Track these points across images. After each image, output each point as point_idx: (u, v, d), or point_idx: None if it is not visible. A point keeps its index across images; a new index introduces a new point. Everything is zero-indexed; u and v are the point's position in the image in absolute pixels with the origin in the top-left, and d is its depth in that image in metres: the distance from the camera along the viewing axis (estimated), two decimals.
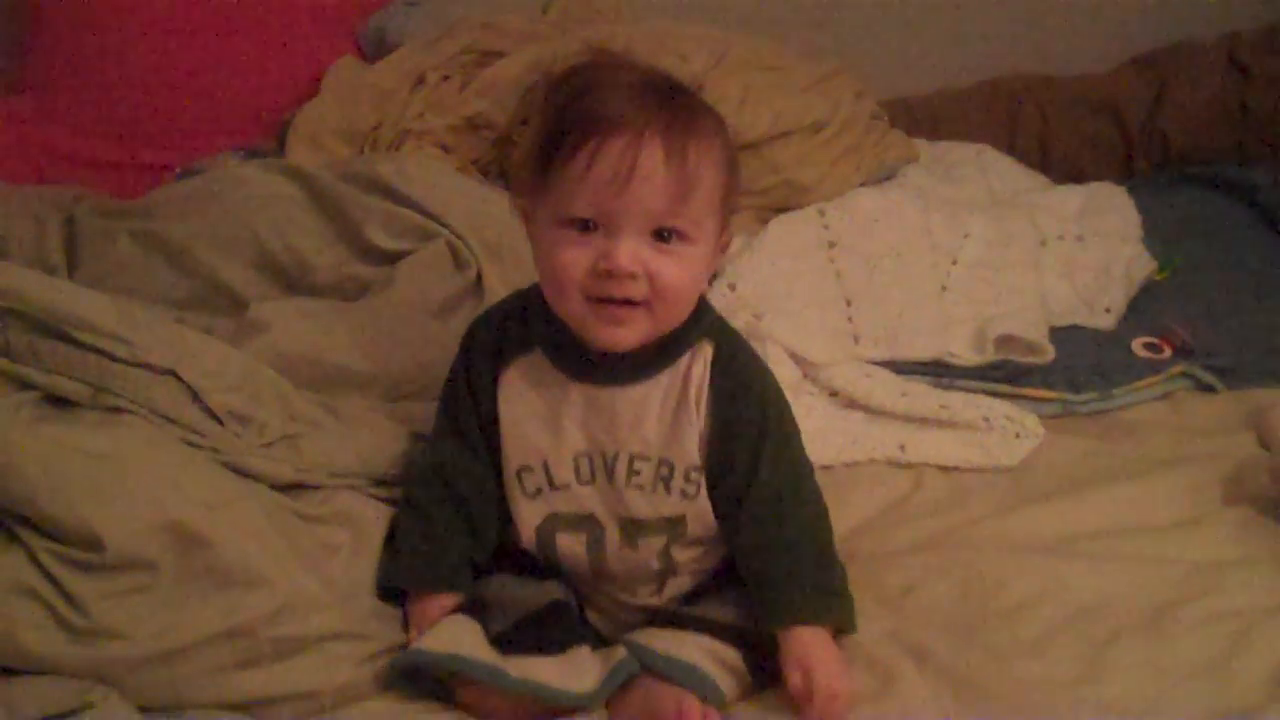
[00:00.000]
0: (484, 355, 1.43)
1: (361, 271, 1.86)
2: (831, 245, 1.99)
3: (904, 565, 1.53)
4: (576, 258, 1.28)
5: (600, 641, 1.43)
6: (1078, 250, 2.15)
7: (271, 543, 1.33)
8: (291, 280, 1.87)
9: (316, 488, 1.46)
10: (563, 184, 1.27)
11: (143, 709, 1.24)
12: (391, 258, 1.87)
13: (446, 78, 2.34)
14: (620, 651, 1.36)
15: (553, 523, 1.42)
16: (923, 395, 1.80)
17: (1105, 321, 2.05)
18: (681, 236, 1.28)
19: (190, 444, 1.38)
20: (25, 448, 1.26)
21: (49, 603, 1.22)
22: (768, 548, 1.38)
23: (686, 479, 1.38)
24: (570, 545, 1.42)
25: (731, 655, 1.37)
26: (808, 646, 1.33)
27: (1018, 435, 1.75)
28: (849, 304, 1.93)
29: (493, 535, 1.46)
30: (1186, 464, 1.68)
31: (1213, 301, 2.13)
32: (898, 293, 1.96)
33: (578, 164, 1.25)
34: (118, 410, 1.36)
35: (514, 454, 1.41)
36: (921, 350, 1.89)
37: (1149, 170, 2.64)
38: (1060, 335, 1.99)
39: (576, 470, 1.40)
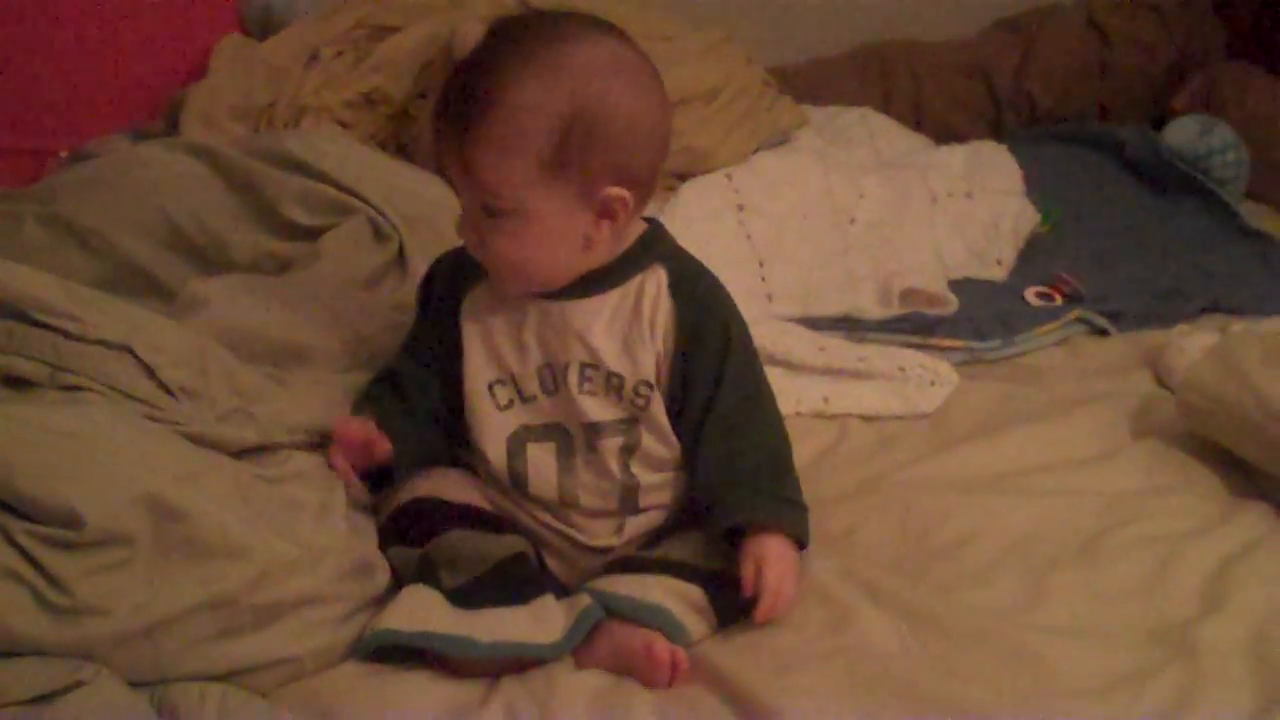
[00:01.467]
0: (444, 285, 1.50)
1: (280, 248, 1.86)
2: (741, 208, 2.04)
3: (842, 509, 1.60)
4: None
5: (563, 591, 1.46)
6: (967, 206, 2.24)
7: (244, 511, 1.33)
8: (207, 260, 1.85)
9: (275, 449, 1.46)
10: None
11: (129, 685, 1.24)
12: (309, 234, 1.87)
13: (340, 53, 2.33)
14: (585, 599, 1.39)
15: (523, 434, 1.47)
16: (840, 349, 1.87)
17: (997, 273, 2.15)
18: (504, 213, 1.35)
19: (151, 418, 1.37)
20: None
21: (30, 583, 1.20)
22: (727, 457, 1.43)
23: (636, 392, 1.44)
24: (540, 456, 1.47)
25: (695, 593, 1.40)
26: (764, 545, 1.39)
27: (933, 383, 1.82)
28: (761, 264, 1.99)
29: (443, 442, 1.53)
30: (1093, 403, 1.78)
31: (1095, 251, 2.25)
32: (806, 252, 2.03)
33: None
34: (76, 389, 1.35)
35: (483, 369, 1.47)
36: (832, 307, 1.96)
37: (1017, 129, 2.74)
38: (957, 288, 2.07)
39: (540, 382, 1.45)
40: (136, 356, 1.39)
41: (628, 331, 1.44)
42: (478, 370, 1.47)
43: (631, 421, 1.45)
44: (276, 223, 1.88)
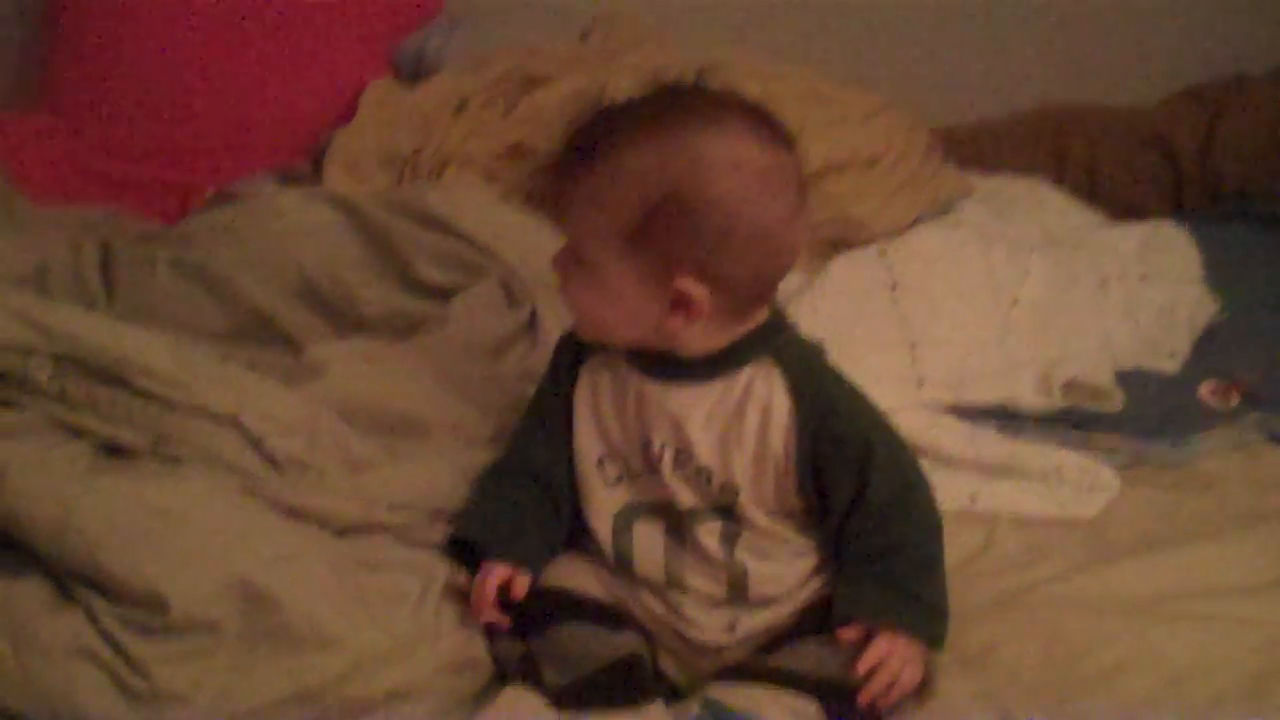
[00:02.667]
0: (568, 354, 1.46)
1: (410, 306, 1.81)
2: (894, 286, 1.93)
3: (983, 623, 1.45)
4: None
5: (674, 695, 1.39)
6: (1140, 290, 2.09)
7: (338, 598, 1.28)
8: (337, 314, 1.82)
9: (378, 530, 1.40)
10: None
11: None
12: (441, 292, 1.82)
13: (489, 103, 2.28)
14: (693, 707, 1.31)
15: (630, 512, 1.42)
16: (992, 443, 1.74)
17: (1170, 365, 1.99)
18: (584, 264, 1.32)
19: (251, 491, 1.32)
20: (84, 503, 1.21)
21: (108, 665, 1.16)
22: (868, 553, 1.38)
23: (723, 490, 1.38)
24: (646, 534, 1.41)
25: (811, 709, 1.31)
26: (886, 646, 1.34)
27: (1092, 488, 1.69)
28: (913, 347, 1.87)
29: (567, 529, 1.47)
30: (1268, 520, 1.63)
31: (1276, 345, 2.07)
32: (961, 335, 1.90)
33: None
34: (176, 459, 1.30)
35: (593, 443, 1.43)
36: (987, 395, 1.83)
37: (1199, 205, 2.58)
38: (1125, 380, 1.92)
39: (647, 459, 1.40)
40: (243, 427, 1.34)
41: (725, 430, 1.36)
42: (589, 443, 1.43)
43: (726, 511, 1.38)
44: (409, 279, 1.84)
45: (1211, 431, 1.82)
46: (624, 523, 1.42)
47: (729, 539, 1.39)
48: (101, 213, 2.17)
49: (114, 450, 1.30)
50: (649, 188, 1.26)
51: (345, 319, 1.80)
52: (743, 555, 1.39)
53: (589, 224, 1.30)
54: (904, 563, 1.39)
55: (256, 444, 1.35)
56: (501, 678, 1.38)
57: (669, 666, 1.42)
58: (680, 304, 1.30)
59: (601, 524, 1.42)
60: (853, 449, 1.36)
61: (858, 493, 1.36)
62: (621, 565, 1.42)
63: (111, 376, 1.30)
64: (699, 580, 1.40)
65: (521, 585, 1.39)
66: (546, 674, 1.34)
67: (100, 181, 2.37)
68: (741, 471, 1.36)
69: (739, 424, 1.36)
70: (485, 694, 1.35)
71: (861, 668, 1.32)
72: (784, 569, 1.41)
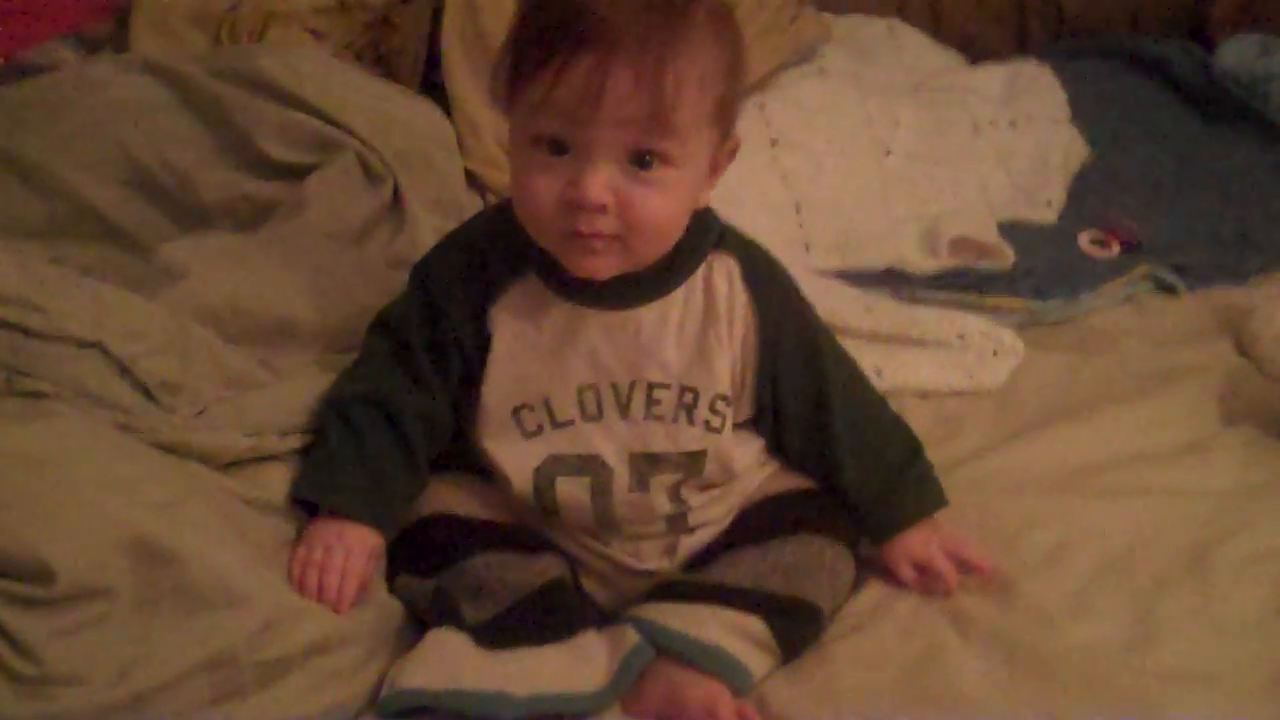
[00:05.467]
0: (460, 288, 1.26)
1: (256, 190, 1.63)
2: (774, 143, 1.83)
3: None
4: (546, 186, 1.14)
5: (602, 617, 1.28)
6: (1012, 137, 2.03)
7: (239, 546, 1.14)
8: (173, 202, 1.63)
9: (257, 461, 1.25)
10: (530, 98, 1.12)
11: None
12: (289, 171, 1.64)
13: None
14: (630, 634, 1.20)
15: (553, 465, 1.27)
16: (889, 311, 1.66)
17: (1047, 215, 1.96)
18: (664, 159, 1.13)
19: (125, 426, 1.16)
20: None
21: None
22: (863, 451, 1.32)
23: (712, 409, 1.26)
24: (571, 491, 1.27)
25: (757, 626, 1.22)
26: (910, 543, 1.31)
27: (995, 352, 1.63)
28: (798, 209, 1.78)
29: (424, 484, 1.30)
30: (1174, 379, 1.61)
31: (1146, 189, 2.05)
32: (844, 194, 1.82)
33: (543, 80, 1.10)
34: (37, 395, 1.13)
35: (509, 391, 1.26)
36: (875, 258, 1.76)
37: (1044, 40, 2.52)
38: (1006, 233, 1.87)
39: (581, 405, 1.25)
40: (108, 352, 1.17)
41: (701, 336, 1.24)
42: (503, 393, 1.26)
43: (699, 455, 1.27)
44: (251, 159, 1.65)
45: (1104, 285, 1.78)
46: (546, 479, 1.27)
47: (680, 483, 1.28)
48: None
49: None
50: (738, 50, 1.16)
51: (182, 208, 1.61)
52: (687, 494, 1.29)
53: (696, 105, 1.12)
54: (896, 448, 1.35)
55: (126, 368, 1.18)
56: (415, 615, 1.26)
57: (596, 590, 1.31)
58: (716, 169, 1.21)
59: (519, 477, 1.27)
60: (805, 339, 1.29)
61: (822, 385, 1.29)
62: (546, 515, 1.29)
63: None
64: (634, 526, 1.30)
65: (376, 542, 1.25)
66: (464, 610, 1.22)
67: None
68: (727, 379, 1.26)
69: (713, 326, 1.24)
70: (403, 636, 1.23)
71: (905, 574, 1.31)
72: (726, 497, 1.32)
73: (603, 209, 1.12)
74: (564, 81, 1.08)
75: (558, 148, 1.12)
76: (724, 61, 1.15)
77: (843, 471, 1.32)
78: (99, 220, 1.60)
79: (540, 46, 1.10)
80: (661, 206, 1.14)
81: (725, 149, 1.22)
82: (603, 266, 1.17)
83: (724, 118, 1.18)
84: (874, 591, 1.32)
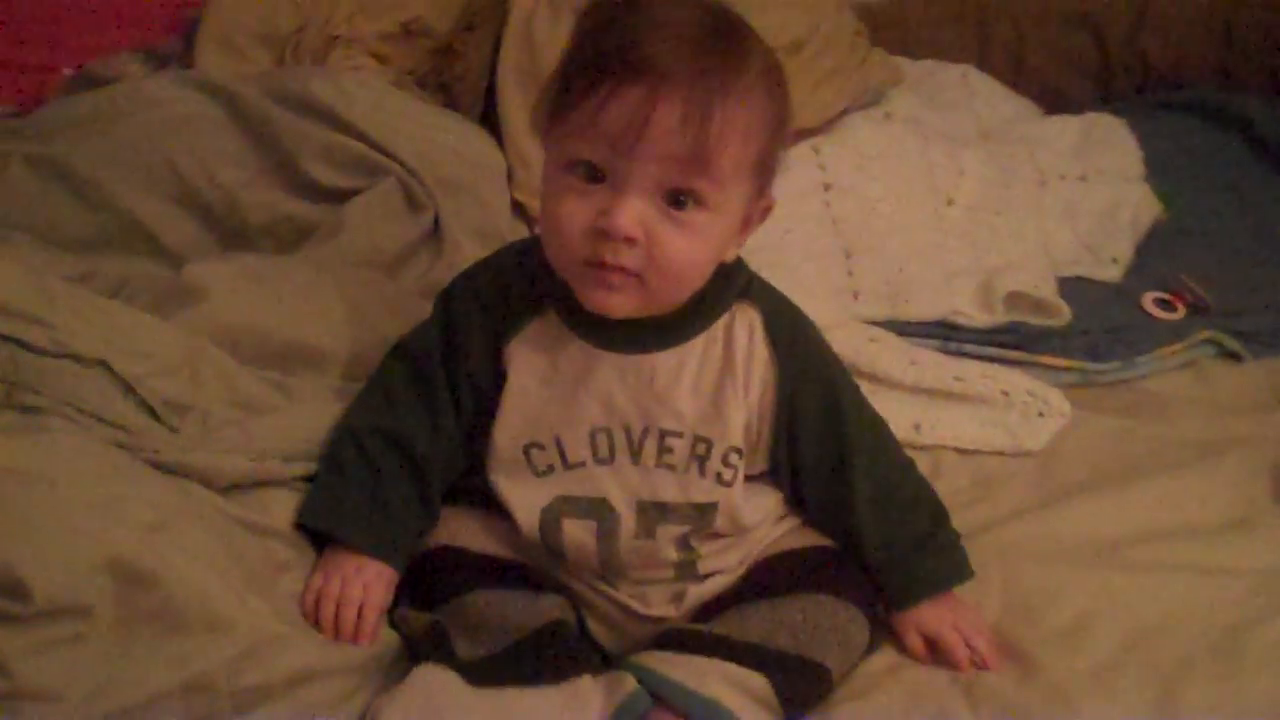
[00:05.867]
0: (480, 319, 1.25)
1: (298, 211, 1.64)
2: (827, 187, 1.79)
3: None
4: (576, 211, 1.12)
5: (603, 660, 1.26)
6: (1080, 192, 1.97)
7: (227, 570, 1.12)
8: (217, 219, 1.63)
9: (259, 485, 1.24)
10: (573, 123, 1.11)
11: None
12: (332, 195, 1.64)
13: None
14: (628, 681, 1.17)
15: (561, 505, 1.24)
16: (934, 364, 1.62)
17: (1112, 273, 1.89)
18: (700, 202, 1.11)
19: (122, 445, 1.15)
20: None
21: None
22: (885, 517, 1.29)
23: (724, 462, 1.23)
24: (577, 534, 1.25)
25: (758, 683, 1.18)
26: (923, 615, 1.28)
27: (1041, 413, 1.58)
28: (848, 256, 1.74)
29: (435, 521, 1.29)
30: (1226, 450, 1.53)
31: (1220, 250, 1.97)
32: (897, 242, 1.77)
33: (589, 105, 1.09)
34: (36, 410, 1.12)
35: (521, 429, 1.24)
36: (926, 309, 1.71)
37: (1127, 92, 2.45)
38: (1067, 289, 1.82)
39: (593, 447, 1.23)
40: (113, 371, 1.16)
41: (718, 388, 1.22)
42: (516, 430, 1.24)
43: (708, 508, 1.24)
44: (297, 180, 1.66)
45: (1162, 349, 1.72)
46: (552, 518, 1.25)
47: (689, 535, 1.25)
48: None
49: None
50: (784, 103, 1.15)
51: (226, 226, 1.62)
52: (697, 543, 1.26)
53: (741, 151, 1.11)
54: (920, 515, 1.31)
55: (131, 387, 1.18)
56: (409, 647, 1.24)
57: (599, 633, 1.29)
58: (748, 224, 1.19)
59: (526, 515, 1.25)
60: (827, 399, 1.26)
61: (840, 451, 1.26)
62: (552, 555, 1.27)
63: None
64: (640, 570, 1.27)
65: (389, 577, 1.24)
66: (459, 645, 1.19)
67: None
68: (740, 433, 1.23)
69: (730, 378, 1.22)
70: (394, 668, 1.20)
71: (913, 644, 1.27)
72: (738, 545, 1.29)
73: (632, 242, 1.10)
74: (611, 107, 1.08)
75: (594, 175, 1.11)
76: (771, 115, 1.14)
77: (862, 535, 1.29)
78: (144, 235, 1.61)
79: (591, 71, 1.09)
80: (689, 250, 1.13)
81: (759, 206, 1.20)
82: (618, 304, 1.15)
83: (763, 172, 1.17)
84: (889, 655, 1.28)
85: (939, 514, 1.33)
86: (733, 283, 1.23)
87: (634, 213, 1.09)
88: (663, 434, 1.22)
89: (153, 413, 1.19)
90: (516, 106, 1.81)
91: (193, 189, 1.63)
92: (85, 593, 1.02)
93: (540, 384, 1.23)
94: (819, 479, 1.29)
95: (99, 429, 1.14)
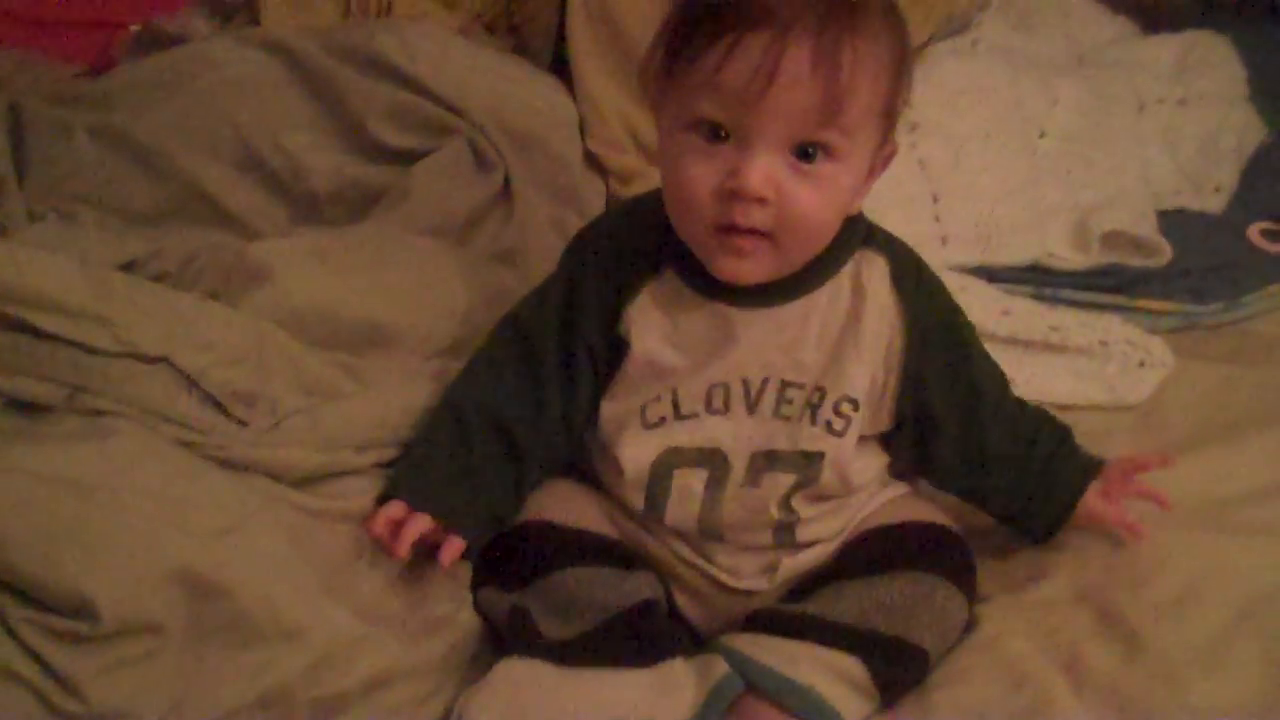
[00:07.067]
0: (598, 282, 1.21)
1: (366, 174, 1.60)
2: (914, 127, 1.70)
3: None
4: (703, 174, 1.08)
5: (694, 640, 1.23)
6: (1180, 116, 1.87)
7: (297, 572, 1.09)
8: (283, 185, 1.60)
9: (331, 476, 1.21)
10: (691, 80, 1.07)
11: None
12: (400, 156, 1.60)
13: None
14: (720, 664, 1.14)
15: (671, 457, 1.21)
16: (1027, 314, 1.55)
17: (1216, 203, 1.80)
18: (829, 153, 1.08)
19: (187, 443, 1.12)
20: None
21: (34, 686, 0.96)
22: (1015, 449, 1.26)
23: (836, 411, 1.19)
24: (687, 483, 1.21)
25: (855, 668, 1.15)
26: (1090, 506, 1.27)
27: (1142, 363, 1.51)
28: (936, 199, 1.66)
29: (530, 491, 1.26)
30: None
31: None
32: (987, 182, 1.69)
33: (710, 59, 1.05)
34: (98, 412, 1.10)
35: (639, 389, 1.20)
36: (1019, 253, 1.64)
37: (1230, 2, 2.33)
38: (1168, 223, 1.73)
39: (709, 400, 1.19)
40: (176, 365, 1.14)
41: (840, 340, 1.18)
42: (633, 390, 1.20)
43: (816, 457, 1.20)
44: (363, 143, 1.62)
45: (1271, 286, 1.63)
46: (663, 470, 1.21)
47: (795, 488, 1.22)
48: (12, 57, 1.90)
49: (24, 406, 1.09)
50: (887, 52, 1.08)
51: (293, 194, 1.58)
52: (799, 504, 1.22)
53: (871, 94, 1.07)
54: (1048, 435, 1.29)
55: (196, 381, 1.15)
56: (494, 633, 1.21)
57: (689, 609, 1.26)
58: (875, 169, 1.16)
59: (635, 468, 1.21)
60: (955, 347, 1.23)
61: (971, 401, 1.23)
62: (651, 513, 1.24)
63: (16, 321, 1.08)
64: (738, 534, 1.23)
65: (453, 549, 1.19)
66: (546, 626, 1.17)
67: (8, 20, 2.09)
68: (862, 385, 1.19)
69: (855, 330, 1.18)
70: (477, 660, 1.18)
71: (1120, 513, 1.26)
72: (835, 506, 1.25)
73: (763, 201, 1.06)
74: (734, 59, 1.03)
75: (716, 134, 1.07)
76: (896, 55, 1.10)
77: (996, 471, 1.27)
78: (209, 203, 1.58)
79: (711, 22, 1.05)
80: (820, 205, 1.09)
81: (883, 154, 1.16)
82: (749, 270, 1.12)
83: (888, 117, 1.12)
84: (986, 632, 1.23)
85: (1064, 433, 1.31)
86: (856, 230, 1.19)
87: (764, 170, 1.06)
88: (784, 385, 1.19)
89: (220, 405, 1.16)
90: (588, 53, 1.74)
91: (257, 155, 1.60)
92: (154, 608, 1.00)
93: (663, 344, 1.19)
94: (950, 425, 1.25)
95: (164, 428, 1.12)
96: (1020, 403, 1.31)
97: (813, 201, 1.08)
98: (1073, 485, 1.26)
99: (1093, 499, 1.26)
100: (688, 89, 1.07)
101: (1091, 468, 1.28)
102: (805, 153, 1.06)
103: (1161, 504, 1.25)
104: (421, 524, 1.17)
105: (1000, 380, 1.29)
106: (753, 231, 1.08)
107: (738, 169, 1.06)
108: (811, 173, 1.07)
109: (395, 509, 1.17)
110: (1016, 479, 1.26)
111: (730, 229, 1.08)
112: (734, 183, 1.06)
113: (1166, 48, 2.01)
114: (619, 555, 1.23)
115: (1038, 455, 1.27)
